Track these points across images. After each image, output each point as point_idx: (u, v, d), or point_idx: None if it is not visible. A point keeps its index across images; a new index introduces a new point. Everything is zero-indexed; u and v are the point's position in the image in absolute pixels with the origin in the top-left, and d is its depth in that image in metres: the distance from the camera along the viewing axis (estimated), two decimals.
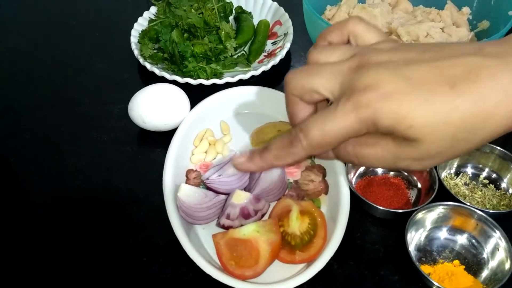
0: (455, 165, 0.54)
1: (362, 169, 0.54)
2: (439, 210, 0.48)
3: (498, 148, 0.52)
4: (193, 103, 0.60)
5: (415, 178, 0.53)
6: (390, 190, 0.52)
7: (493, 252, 0.46)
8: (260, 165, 0.38)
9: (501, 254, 0.46)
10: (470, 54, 0.32)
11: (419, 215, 0.47)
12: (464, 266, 0.47)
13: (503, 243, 0.45)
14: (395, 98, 0.31)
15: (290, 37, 0.72)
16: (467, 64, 0.31)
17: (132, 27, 0.74)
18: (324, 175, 0.55)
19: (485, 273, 0.46)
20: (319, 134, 0.33)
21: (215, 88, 0.63)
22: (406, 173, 0.54)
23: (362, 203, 0.50)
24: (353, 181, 0.54)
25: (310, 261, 0.45)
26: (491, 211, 0.49)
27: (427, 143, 0.32)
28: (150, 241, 0.50)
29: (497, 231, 0.46)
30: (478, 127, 0.31)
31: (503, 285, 0.45)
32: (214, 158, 0.58)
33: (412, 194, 0.53)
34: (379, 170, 0.55)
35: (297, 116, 0.37)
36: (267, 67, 0.68)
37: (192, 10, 0.67)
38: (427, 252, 0.48)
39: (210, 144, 0.58)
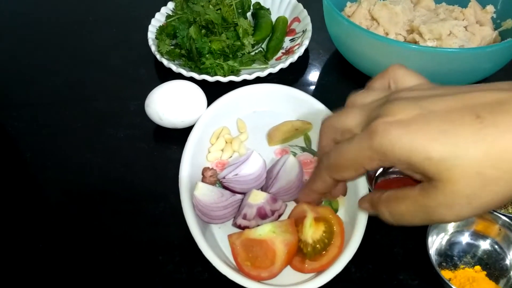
0: None
1: (381, 169, 0.53)
2: None
3: None
4: (210, 100, 0.60)
5: None
6: None
7: None
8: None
9: None
10: (502, 89, 0.29)
11: None
12: (485, 272, 0.46)
13: None
14: (411, 127, 0.29)
15: (309, 34, 0.71)
16: (497, 96, 0.28)
17: (149, 22, 0.73)
18: None
19: (507, 280, 0.45)
20: (336, 155, 0.35)
21: (232, 85, 0.63)
22: None
23: None
24: (373, 181, 0.53)
25: (321, 271, 0.44)
26: None
27: (451, 182, 0.28)
28: (165, 239, 0.50)
29: None
30: (510, 161, 0.27)
31: None
32: (231, 156, 0.57)
33: None
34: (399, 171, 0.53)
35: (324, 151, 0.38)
36: (285, 64, 0.67)
37: (210, 6, 0.67)
38: (448, 257, 0.47)
39: (226, 142, 0.58)
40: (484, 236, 0.47)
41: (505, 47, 0.54)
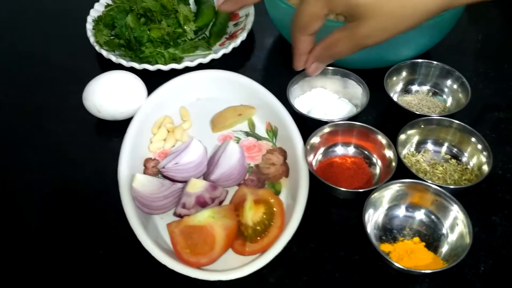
0: (415, 142, 0.54)
1: (322, 150, 0.54)
2: (396, 188, 0.47)
3: (456, 121, 0.52)
4: (152, 90, 0.59)
5: (375, 156, 0.53)
6: (351, 170, 0.52)
7: (452, 227, 0.46)
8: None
9: (460, 228, 0.45)
10: None
11: (376, 194, 0.46)
12: (424, 243, 0.47)
13: (461, 216, 0.45)
14: None
15: (251, 18, 0.71)
16: None
17: (88, 14, 0.71)
18: (285, 158, 0.54)
19: (445, 249, 0.46)
20: (298, 15, 0.47)
21: (175, 74, 0.62)
22: (366, 152, 0.53)
23: (323, 185, 0.49)
24: (314, 163, 0.53)
25: (263, 252, 0.44)
26: (451, 186, 0.49)
27: (373, 18, 0.43)
28: (107, 233, 0.49)
29: (454, 205, 0.45)
30: (417, 2, 0.42)
31: (463, 260, 0.45)
32: (174, 146, 0.56)
33: (374, 173, 0.52)
34: (339, 151, 0.54)
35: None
36: (227, 49, 0.66)
37: None
38: (387, 231, 0.48)
39: (168, 131, 0.57)
40: (420, 207, 0.48)
41: (438, 21, 0.55)
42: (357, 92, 0.58)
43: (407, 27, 0.44)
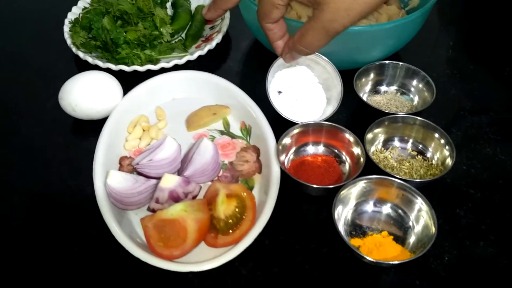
0: (382, 139, 0.56)
1: (293, 149, 0.55)
2: (363, 184, 0.49)
3: (419, 118, 0.54)
4: (128, 91, 0.60)
5: (344, 153, 0.54)
6: (321, 168, 0.53)
7: (417, 219, 0.48)
8: None
9: (424, 219, 0.47)
10: None
11: (344, 191, 0.48)
12: (392, 237, 0.48)
13: (425, 208, 0.47)
14: None
15: (227, 21, 0.72)
16: None
17: (66, 16, 0.72)
18: (258, 155, 0.56)
19: (412, 240, 0.47)
20: (259, 6, 0.50)
21: (151, 75, 0.63)
22: (336, 150, 0.55)
23: (295, 182, 0.50)
24: (286, 161, 0.54)
25: (234, 244, 0.45)
26: (417, 180, 0.51)
27: (333, 2, 0.44)
28: (83, 231, 0.50)
29: (419, 198, 0.47)
30: None
31: (428, 250, 0.47)
32: (149, 144, 0.57)
33: (344, 170, 0.54)
34: (310, 150, 0.56)
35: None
36: (203, 51, 0.67)
37: None
38: (357, 226, 0.49)
39: (144, 130, 0.58)
40: (386, 202, 0.50)
41: (403, 23, 0.57)
42: (336, 86, 0.59)
43: (371, 2, 0.44)
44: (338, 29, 0.46)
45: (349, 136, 0.53)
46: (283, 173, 0.51)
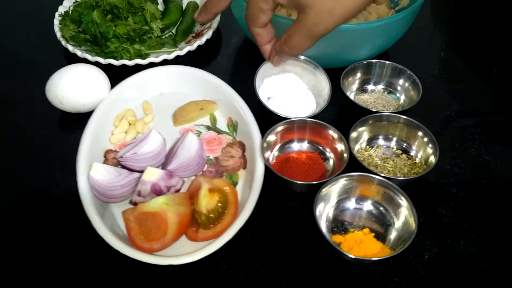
0: (367, 137, 0.56)
1: (278, 146, 0.55)
2: (344, 181, 0.49)
3: (403, 116, 0.54)
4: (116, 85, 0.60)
5: (328, 150, 0.55)
6: (306, 165, 0.53)
7: (398, 216, 0.48)
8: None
9: (405, 216, 0.47)
10: None
11: (326, 188, 0.48)
12: (373, 234, 0.48)
13: (406, 205, 0.47)
14: None
15: (218, 17, 0.72)
16: None
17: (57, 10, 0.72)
18: (243, 151, 0.56)
19: (393, 237, 0.48)
20: (247, 12, 0.51)
21: (140, 69, 0.63)
22: (320, 147, 0.55)
23: (279, 178, 0.50)
24: (271, 158, 0.55)
25: (215, 238, 0.45)
26: (400, 178, 0.51)
27: (315, 4, 0.44)
28: (65, 224, 0.50)
29: (400, 195, 0.47)
30: None
31: (408, 248, 0.47)
32: (135, 138, 0.57)
33: (329, 167, 0.54)
34: (295, 147, 0.56)
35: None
36: (192, 47, 0.68)
37: None
38: (339, 223, 0.49)
39: (130, 124, 0.58)
40: (367, 199, 0.50)
41: (391, 21, 0.57)
42: (324, 89, 0.59)
43: (352, 3, 0.45)
44: (322, 32, 0.47)
45: (333, 133, 0.53)
46: (267, 169, 0.51)
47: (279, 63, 0.56)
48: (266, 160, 0.51)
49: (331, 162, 0.54)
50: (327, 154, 0.55)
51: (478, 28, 0.78)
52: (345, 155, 0.51)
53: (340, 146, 0.52)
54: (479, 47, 0.73)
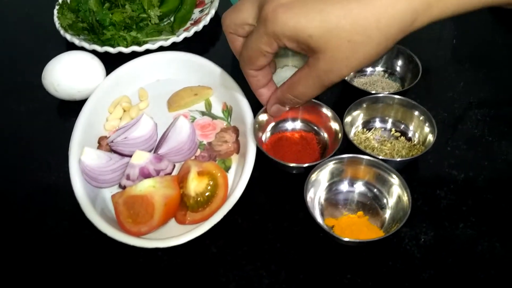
0: (362, 120, 0.54)
1: (271, 126, 0.54)
2: (333, 164, 0.48)
3: (397, 96, 0.52)
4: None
5: (322, 129, 0.53)
6: (299, 145, 0.52)
7: (392, 198, 0.46)
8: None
9: (397, 194, 0.46)
10: None
11: (318, 171, 0.47)
12: (367, 217, 0.47)
13: (397, 181, 0.46)
14: (294, 10, 0.37)
15: (216, 3, 0.72)
16: None
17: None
18: (237, 136, 0.55)
19: (387, 220, 0.46)
20: (245, 51, 0.42)
21: (137, 56, 0.62)
22: (314, 127, 0.54)
23: (271, 160, 0.49)
24: (264, 138, 0.54)
25: (204, 221, 0.45)
26: (398, 159, 0.50)
27: (330, 51, 0.37)
28: (57, 207, 0.50)
29: (394, 176, 0.46)
30: (371, 28, 0.36)
31: (403, 231, 0.46)
32: None
33: (323, 147, 0.53)
34: (289, 126, 0.55)
35: (238, 51, 0.45)
36: (189, 33, 0.67)
37: None
38: (332, 206, 0.48)
39: (124, 110, 0.58)
40: (360, 181, 0.49)
41: None
42: None
43: (371, 51, 0.38)
44: (335, 80, 0.41)
45: (326, 111, 0.52)
46: (260, 152, 0.50)
47: (277, 114, 0.49)
48: (258, 140, 0.50)
49: (328, 144, 0.53)
50: (321, 133, 0.53)
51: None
52: (340, 134, 0.50)
53: (334, 125, 0.51)
54: (482, 26, 0.71)
